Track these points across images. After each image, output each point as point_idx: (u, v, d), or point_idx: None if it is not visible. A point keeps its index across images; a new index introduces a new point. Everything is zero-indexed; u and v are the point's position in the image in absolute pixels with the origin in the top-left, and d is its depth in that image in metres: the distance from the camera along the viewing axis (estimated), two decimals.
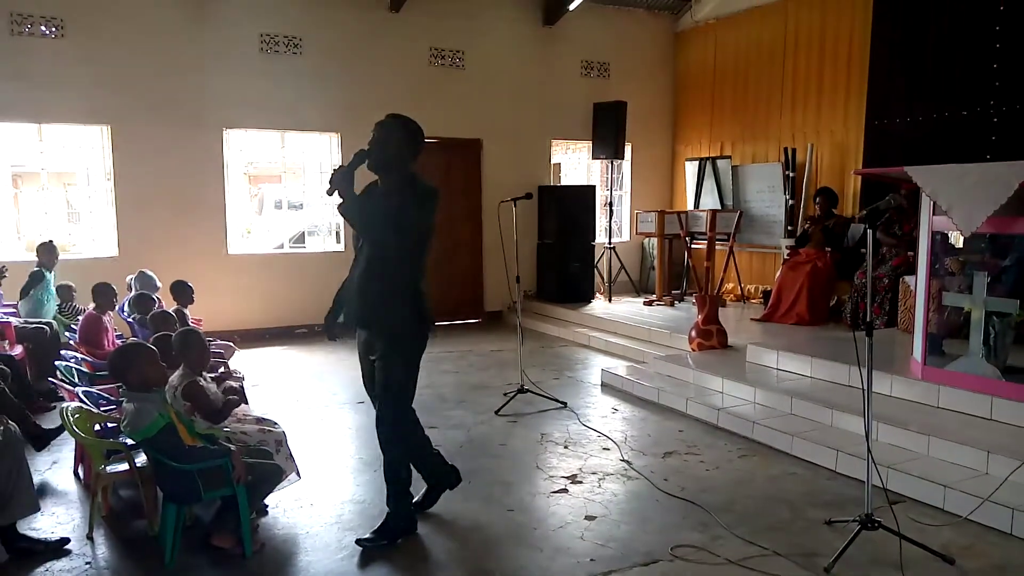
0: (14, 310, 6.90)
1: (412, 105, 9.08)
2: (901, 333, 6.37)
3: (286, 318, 8.99)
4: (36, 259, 6.95)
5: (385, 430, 3.54)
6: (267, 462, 3.64)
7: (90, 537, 3.63)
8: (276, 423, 4.03)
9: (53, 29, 7.66)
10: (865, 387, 3.45)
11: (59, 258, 7.06)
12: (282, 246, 9.73)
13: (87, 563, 3.40)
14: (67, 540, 3.54)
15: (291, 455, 3.89)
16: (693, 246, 9.70)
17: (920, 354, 5.02)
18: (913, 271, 5.82)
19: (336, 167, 3.38)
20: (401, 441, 3.60)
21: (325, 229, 9.78)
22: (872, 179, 7.59)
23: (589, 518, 3.87)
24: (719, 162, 9.84)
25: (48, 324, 6.55)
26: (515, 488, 4.29)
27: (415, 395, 3.68)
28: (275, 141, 9.17)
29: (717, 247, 9.37)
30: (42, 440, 4.67)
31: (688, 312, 8.43)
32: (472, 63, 9.70)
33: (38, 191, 8.74)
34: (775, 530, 3.70)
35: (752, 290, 9.52)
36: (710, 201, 9.88)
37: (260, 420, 4.05)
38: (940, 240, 4.96)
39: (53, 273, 6.96)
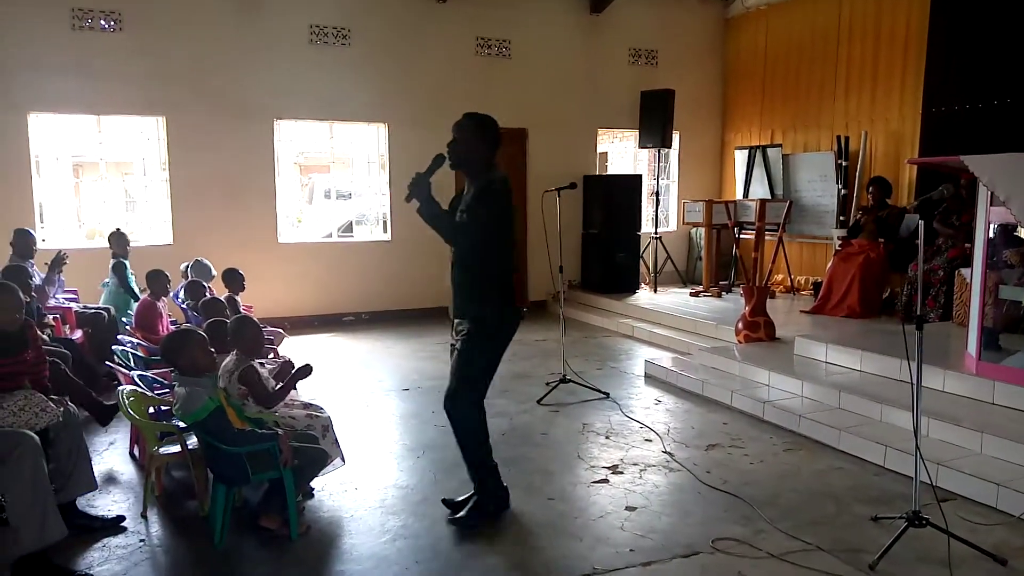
0: (74, 295, 7.16)
1: (458, 95, 9.24)
2: (956, 327, 6.18)
3: (334, 306, 9.15)
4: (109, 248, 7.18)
5: (460, 414, 3.67)
6: (313, 446, 3.72)
7: (144, 516, 3.77)
8: (322, 408, 4.12)
9: (112, 23, 7.90)
10: (914, 381, 3.37)
11: (130, 245, 7.26)
12: (331, 235, 9.88)
13: (141, 540, 3.54)
14: (123, 518, 3.68)
15: (336, 440, 3.96)
16: (741, 236, 9.56)
17: (975, 349, 4.87)
18: (969, 263, 5.64)
19: (416, 173, 3.54)
20: (478, 424, 3.70)
21: (373, 218, 9.90)
22: (928, 169, 7.38)
23: (630, 508, 3.87)
24: (769, 151, 9.66)
25: (106, 309, 6.79)
26: (556, 477, 4.31)
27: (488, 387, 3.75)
28: (324, 132, 9.31)
29: (766, 237, 9.21)
30: (107, 415, 4.86)
31: (735, 303, 8.31)
32: (518, 52, 9.69)
33: (97, 180, 9.03)
34: (819, 525, 3.65)
35: (802, 281, 9.35)
36: (760, 190, 9.72)
37: (307, 405, 4.14)
38: (999, 231, 4.80)
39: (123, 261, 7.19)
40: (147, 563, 3.34)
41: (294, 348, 7.32)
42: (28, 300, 5.07)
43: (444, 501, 3.87)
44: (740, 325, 6.82)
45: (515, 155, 9.83)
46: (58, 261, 6.41)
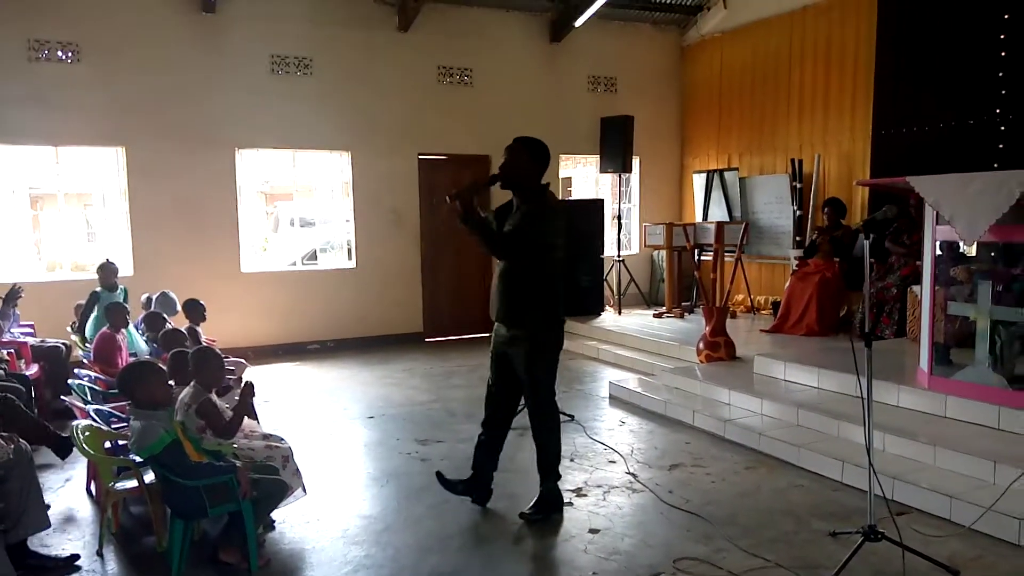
0: (31, 330, 7.02)
1: (421, 122, 9.33)
2: (910, 343, 6.35)
3: (299, 334, 9.08)
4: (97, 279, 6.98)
5: (540, 419, 4.06)
6: (273, 478, 3.69)
7: (100, 553, 3.69)
8: (283, 439, 4.08)
9: (69, 54, 7.84)
10: (864, 397, 3.46)
11: (118, 275, 7.05)
12: (295, 263, 9.83)
13: None
14: (77, 556, 3.60)
15: (298, 471, 3.93)
16: (701, 258, 9.70)
17: (927, 364, 5.00)
18: (920, 281, 5.80)
19: (471, 183, 3.83)
20: (557, 424, 4.13)
21: (338, 246, 9.88)
22: (879, 189, 7.58)
23: (593, 531, 3.89)
24: (727, 174, 9.86)
25: (64, 343, 6.66)
26: (521, 501, 4.30)
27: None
28: (288, 160, 9.30)
29: (725, 259, 9.37)
30: (65, 448, 4.68)
31: (698, 324, 8.40)
32: (480, 80, 9.81)
33: (56, 212, 8.91)
34: (779, 542, 3.70)
35: (762, 301, 9.51)
36: (718, 213, 9.90)
37: (267, 436, 4.09)
38: (948, 249, 4.96)
39: (122, 290, 7.02)
40: None
41: (258, 377, 7.24)
42: None
43: (439, 476, 4.25)
44: (701, 345, 6.92)
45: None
46: (12, 295, 6.28)
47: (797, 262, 8.12)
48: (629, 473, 4.73)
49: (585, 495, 4.39)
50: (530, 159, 3.94)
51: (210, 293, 7.25)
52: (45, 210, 11.08)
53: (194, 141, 8.41)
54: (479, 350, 8.98)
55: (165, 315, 6.31)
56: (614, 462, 4.96)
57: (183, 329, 5.77)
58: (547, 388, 4.07)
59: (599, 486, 4.52)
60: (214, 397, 3.95)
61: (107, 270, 6.98)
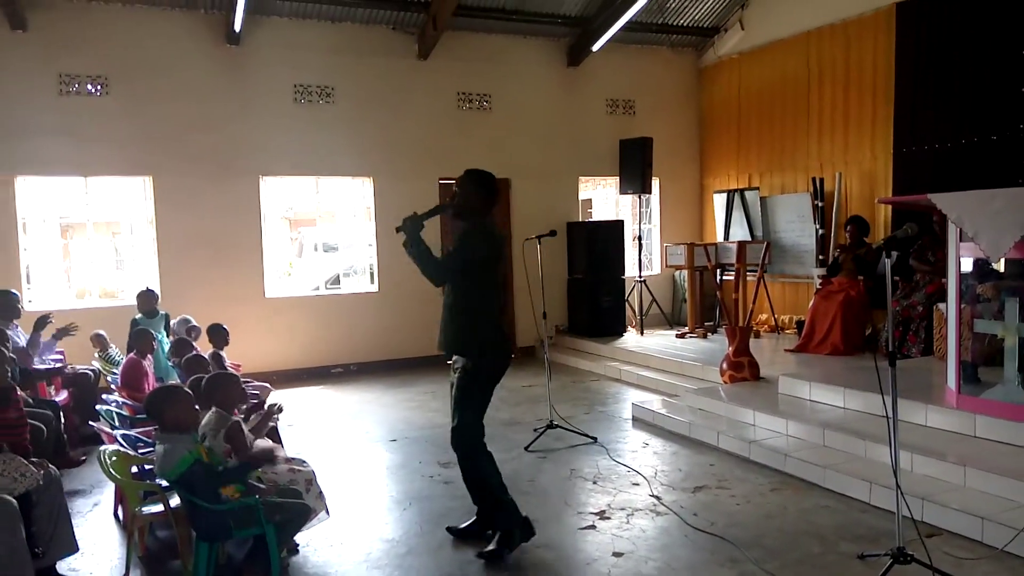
0: (61, 356, 7.14)
1: (441, 148, 9.43)
2: (937, 361, 6.26)
3: (323, 358, 9.15)
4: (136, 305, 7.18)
5: (461, 444, 3.94)
6: (296, 501, 3.71)
7: None
8: (306, 462, 4.11)
9: (98, 87, 8.05)
10: (890, 416, 3.42)
11: (157, 302, 7.26)
12: (318, 288, 9.93)
13: None
14: None
15: (321, 493, 3.95)
16: (724, 278, 9.66)
17: (954, 382, 4.93)
18: (947, 298, 5.73)
19: (414, 212, 3.84)
20: (478, 454, 3.96)
21: (360, 270, 9.97)
22: (902, 207, 7.52)
23: (616, 555, 3.86)
24: (747, 193, 9.84)
25: (92, 370, 6.77)
26: (543, 524, 4.28)
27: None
28: (311, 186, 9.44)
29: (748, 278, 9.32)
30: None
31: (721, 344, 8.35)
32: (499, 105, 9.91)
33: (86, 241, 9.10)
34: (805, 564, 3.65)
35: (786, 321, 9.43)
36: (740, 232, 9.86)
37: (290, 459, 4.12)
38: (975, 266, 4.90)
39: (162, 315, 7.19)
40: None
41: (282, 402, 7.30)
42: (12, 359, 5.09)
43: (449, 529, 4.13)
44: (724, 365, 6.87)
45: (499, 205, 9.96)
46: (41, 323, 6.41)
47: (821, 281, 8.06)
48: (653, 496, 4.69)
49: (608, 518, 4.36)
50: (476, 190, 3.92)
51: (235, 318, 7.35)
52: (75, 239, 11.30)
53: (219, 169, 8.57)
54: None
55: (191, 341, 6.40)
56: (637, 484, 4.92)
57: (207, 355, 5.85)
58: (473, 417, 3.95)
59: (622, 509, 4.49)
60: (242, 424, 4.00)
61: (146, 297, 7.16)
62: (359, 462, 5.69)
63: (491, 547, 3.84)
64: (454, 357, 4.00)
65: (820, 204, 8.94)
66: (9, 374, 3.59)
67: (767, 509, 4.42)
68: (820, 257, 8.88)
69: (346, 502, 4.67)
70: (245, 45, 8.59)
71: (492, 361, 3.97)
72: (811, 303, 7.89)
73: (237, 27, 8.17)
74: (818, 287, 8.04)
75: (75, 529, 3.72)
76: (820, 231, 8.95)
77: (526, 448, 5.76)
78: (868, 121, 8.56)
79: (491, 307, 3.95)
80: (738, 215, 9.93)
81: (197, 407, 3.66)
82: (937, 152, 7.65)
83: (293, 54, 8.85)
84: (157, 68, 8.27)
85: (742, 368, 6.76)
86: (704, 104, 11.07)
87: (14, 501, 3.13)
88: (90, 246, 9.15)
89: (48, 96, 7.85)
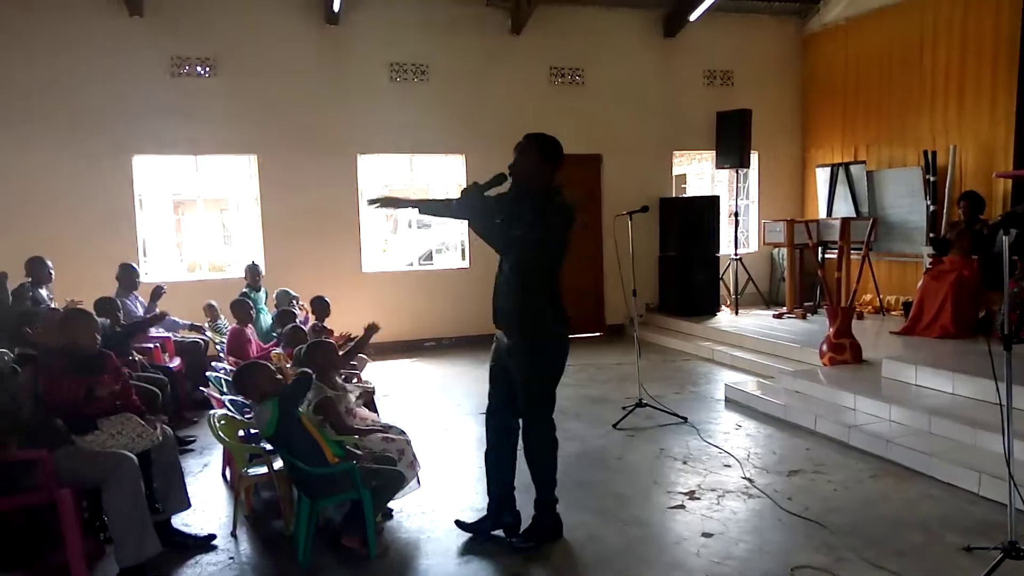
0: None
1: (533, 123, 9.28)
2: None
3: (416, 332, 9.36)
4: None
5: (533, 436, 3.70)
6: (391, 468, 3.83)
7: (234, 534, 3.96)
8: (402, 431, 4.23)
9: (207, 69, 8.42)
10: (1004, 403, 3.22)
11: (262, 276, 7.74)
12: (412, 264, 10.16)
13: (230, 558, 3.72)
14: (214, 536, 3.88)
15: (414, 462, 4.07)
16: (826, 256, 9.28)
17: None
18: None
19: (471, 184, 3.60)
20: (552, 445, 3.73)
21: (452, 247, 10.12)
22: (1023, 181, 7.02)
23: (706, 535, 3.81)
24: (853, 168, 9.39)
25: (203, 339, 7.17)
26: (630, 502, 4.28)
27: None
28: (405, 164, 9.62)
29: (852, 256, 8.92)
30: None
31: (821, 325, 8.05)
32: (591, 79, 9.79)
33: (196, 216, 9.60)
34: (907, 555, 3.50)
35: (892, 301, 8.99)
36: (844, 208, 9.44)
37: (386, 428, 4.26)
38: None
39: (262, 291, 7.66)
40: None
41: (377, 373, 7.54)
42: (118, 329, 5.46)
43: (457, 522, 3.94)
44: (824, 347, 6.63)
45: (590, 180, 9.89)
46: (156, 294, 6.85)
47: (931, 260, 7.63)
48: (745, 478, 4.60)
49: (698, 498, 4.30)
50: (539, 156, 3.60)
51: (334, 292, 7.59)
52: (185, 215, 11.94)
53: (319, 148, 8.84)
54: (588, 349, 8.97)
55: (293, 312, 6.70)
56: (729, 466, 4.83)
57: (308, 325, 6.11)
58: (548, 400, 3.74)
59: (713, 490, 4.42)
60: (340, 392, 4.17)
61: (252, 271, 7.55)
62: (450, 433, 5.81)
63: (518, 538, 3.75)
64: (502, 339, 3.80)
65: (932, 179, 8.44)
66: (99, 341, 3.85)
67: (866, 496, 4.26)
68: (931, 235, 8.39)
69: (437, 471, 4.79)
70: (343, 24, 8.79)
71: (561, 345, 3.78)
72: (920, 283, 7.48)
73: (336, 7, 8.38)
74: (928, 266, 7.61)
75: (187, 487, 3.97)
76: (931, 207, 8.45)
77: (614, 425, 5.74)
78: (987, 89, 7.99)
79: (558, 287, 3.76)
80: (842, 190, 9.50)
81: (280, 376, 3.84)
82: None
83: (389, 32, 8.99)
84: (261, 49, 8.57)
85: (843, 350, 6.50)
86: (807, 74, 10.59)
87: (135, 458, 3.37)
88: (200, 222, 9.64)
89: (161, 78, 8.28)
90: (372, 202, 3.77)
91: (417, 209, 3.85)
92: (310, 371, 3.77)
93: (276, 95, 8.64)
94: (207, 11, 8.38)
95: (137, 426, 3.64)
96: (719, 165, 10.09)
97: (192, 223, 10.57)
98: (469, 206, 3.61)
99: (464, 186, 3.65)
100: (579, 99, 9.72)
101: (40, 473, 3.21)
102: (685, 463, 4.91)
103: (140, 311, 6.70)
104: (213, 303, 7.53)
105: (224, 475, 4.86)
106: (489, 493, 3.91)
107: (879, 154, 9.43)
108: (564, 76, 9.71)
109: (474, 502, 4.34)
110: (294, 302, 7.27)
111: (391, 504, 4.02)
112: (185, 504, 3.87)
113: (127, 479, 3.25)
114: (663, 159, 10.28)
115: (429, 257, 11.37)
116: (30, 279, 6.40)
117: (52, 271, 6.59)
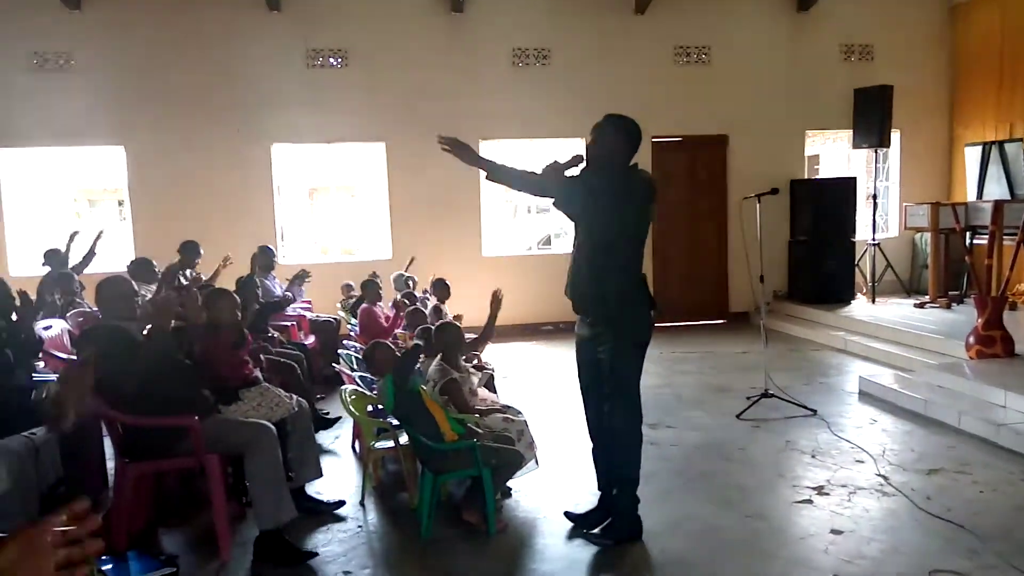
0: (308, 305, 8.01)
1: (657, 105, 9.22)
2: None
3: (533, 315, 9.44)
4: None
5: (619, 427, 3.61)
6: (509, 447, 3.90)
7: (362, 504, 4.15)
8: (520, 412, 4.30)
9: (339, 60, 8.79)
10: None
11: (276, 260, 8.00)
12: (530, 248, 10.24)
13: (359, 526, 3.90)
14: (343, 502, 4.09)
15: (532, 443, 4.11)
16: (974, 242, 8.60)
17: None
18: None
19: (552, 162, 3.55)
20: (637, 439, 3.65)
21: (570, 232, 10.11)
22: None
23: (835, 532, 3.65)
24: (1008, 146, 8.62)
25: (335, 318, 7.53)
26: (754, 494, 4.16)
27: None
28: (524, 149, 9.69)
29: (1004, 242, 8.20)
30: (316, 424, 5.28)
31: (967, 316, 7.49)
32: (719, 58, 9.48)
33: (328, 202, 10.07)
34: None
35: None
36: (996, 190, 8.69)
37: (505, 408, 4.33)
38: None
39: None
40: (364, 548, 3.68)
41: (497, 355, 7.66)
42: (257, 308, 5.77)
43: (566, 513, 3.87)
44: (972, 339, 6.16)
45: (715, 162, 9.61)
46: (300, 277, 7.25)
47: None
48: (879, 475, 4.36)
49: (827, 494, 4.12)
50: (621, 139, 3.49)
51: (455, 274, 7.77)
52: (318, 200, 12.52)
53: (443, 134, 9.01)
54: (710, 337, 8.76)
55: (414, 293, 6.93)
56: (862, 462, 4.59)
57: (429, 307, 6.30)
58: (634, 386, 3.59)
59: (843, 486, 4.22)
60: (464, 374, 4.29)
61: (264, 255, 7.28)
62: (568, 416, 5.81)
63: (597, 532, 3.67)
64: (583, 326, 3.67)
65: None
66: (241, 319, 4.14)
67: (1018, 500, 3.95)
68: None
69: (555, 453, 4.82)
70: (468, 12, 8.93)
71: (646, 326, 3.61)
72: None
73: None
74: None
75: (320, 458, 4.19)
76: None
77: (738, 416, 5.57)
78: None
79: (640, 268, 3.62)
80: (995, 170, 8.75)
81: (398, 353, 4.01)
82: None
83: (512, 17, 9.05)
84: (390, 39, 8.85)
85: (993, 343, 6.02)
86: (956, 46, 9.82)
87: (274, 428, 3.59)
88: (332, 207, 10.10)
89: (298, 70, 8.71)
90: (443, 140, 3.66)
91: (486, 174, 3.69)
92: (420, 344, 3.93)
93: (403, 84, 8.90)
94: (341, 4, 8.73)
95: (275, 396, 3.87)
96: (856, 145, 9.52)
97: (324, 208, 11.09)
98: (551, 181, 3.55)
99: (544, 167, 3.58)
100: (705, 78, 9.44)
101: (191, 440, 3.48)
102: (813, 457, 4.71)
103: (278, 291, 7.10)
104: (351, 283, 7.87)
105: (354, 447, 5.10)
106: (599, 488, 3.86)
107: None
108: (690, 55, 9.45)
109: (592, 485, 4.32)
110: (409, 282, 7.50)
111: (510, 483, 4.09)
112: (318, 473, 4.08)
113: (267, 447, 3.47)
114: (794, 139, 9.83)
115: (547, 242, 11.42)
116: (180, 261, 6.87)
117: (200, 255, 7.05)
